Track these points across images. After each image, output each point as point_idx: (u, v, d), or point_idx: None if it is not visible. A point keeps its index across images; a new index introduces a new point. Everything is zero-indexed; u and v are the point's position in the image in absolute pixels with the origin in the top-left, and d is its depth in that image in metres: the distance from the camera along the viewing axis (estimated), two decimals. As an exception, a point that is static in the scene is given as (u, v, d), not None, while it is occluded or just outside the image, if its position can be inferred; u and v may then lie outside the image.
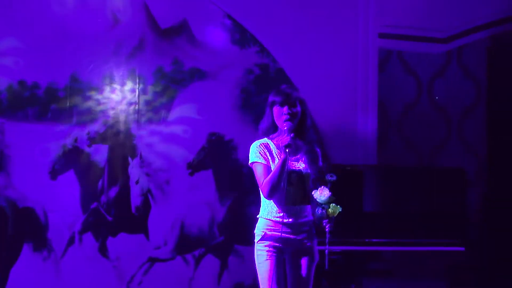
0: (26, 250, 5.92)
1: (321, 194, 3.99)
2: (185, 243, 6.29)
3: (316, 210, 4.01)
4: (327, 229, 4.01)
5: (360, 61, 6.70)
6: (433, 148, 7.10)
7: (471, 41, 7.18)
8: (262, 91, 6.50)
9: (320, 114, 6.55)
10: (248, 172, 6.42)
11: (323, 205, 3.99)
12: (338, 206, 4.01)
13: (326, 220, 3.99)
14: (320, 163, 4.14)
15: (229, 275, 6.38)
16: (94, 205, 6.10)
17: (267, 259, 4.01)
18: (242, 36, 6.47)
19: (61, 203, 6.02)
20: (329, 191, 3.99)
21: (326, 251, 4.09)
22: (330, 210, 3.98)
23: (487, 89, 7.19)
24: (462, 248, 5.97)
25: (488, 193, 7.08)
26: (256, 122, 6.30)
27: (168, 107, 6.29)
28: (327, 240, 4.05)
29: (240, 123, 6.42)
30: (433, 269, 6.16)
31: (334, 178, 4.02)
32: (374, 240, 5.90)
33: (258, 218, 4.13)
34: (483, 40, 7.22)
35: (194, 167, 6.33)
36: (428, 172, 6.54)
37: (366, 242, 5.88)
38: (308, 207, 4.12)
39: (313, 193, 4.02)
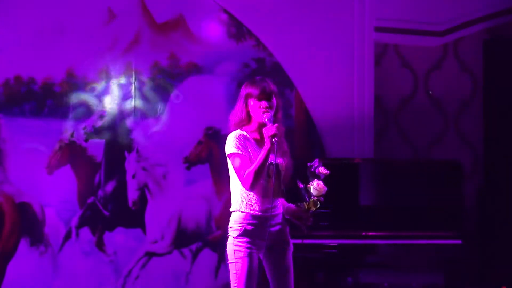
0: (23, 245, 5.92)
1: (318, 187, 3.95)
2: (182, 237, 6.29)
3: (308, 203, 3.97)
4: (308, 223, 3.99)
5: (356, 54, 6.70)
6: (429, 142, 7.10)
7: (467, 34, 7.18)
8: (258, 85, 6.50)
9: (316, 107, 6.56)
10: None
11: (317, 198, 3.97)
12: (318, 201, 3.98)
13: (310, 214, 3.97)
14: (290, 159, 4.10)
15: (226, 269, 6.37)
16: (91, 199, 6.10)
17: (245, 256, 3.91)
18: (238, 30, 6.47)
19: (58, 198, 6.02)
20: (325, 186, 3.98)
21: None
22: (314, 204, 3.96)
23: (484, 82, 7.19)
24: (458, 241, 5.97)
25: (484, 186, 7.09)
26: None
27: (165, 101, 6.29)
28: (304, 232, 4.05)
29: (237, 117, 6.41)
30: (430, 262, 6.17)
31: (328, 172, 4.00)
32: (371, 233, 5.90)
33: (232, 212, 4.01)
34: (480, 33, 7.21)
35: (190, 162, 6.33)
36: (424, 165, 6.54)
37: (363, 236, 5.89)
38: (281, 199, 4.08)
39: (309, 185, 3.99)
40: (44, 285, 5.96)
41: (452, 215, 6.10)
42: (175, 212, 6.28)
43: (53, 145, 6.01)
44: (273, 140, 3.85)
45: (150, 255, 6.22)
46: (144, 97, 6.24)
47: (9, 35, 5.94)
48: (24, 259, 5.92)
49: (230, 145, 3.98)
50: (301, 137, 6.57)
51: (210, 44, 6.41)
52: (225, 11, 6.41)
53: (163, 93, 6.29)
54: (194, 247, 6.31)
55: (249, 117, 4.03)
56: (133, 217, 6.19)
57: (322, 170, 3.99)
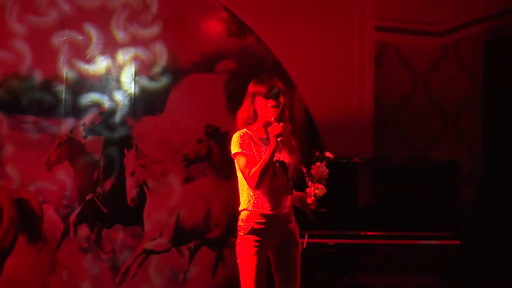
0: (21, 241, 5.91)
1: (319, 169, 3.96)
2: (181, 235, 6.29)
3: (311, 188, 3.98)
4: (312, 207, 3.99)
5: (356, 54, 6.70)
6: (428, 142, 7.11)
7: (467, 35, 7.18)
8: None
9: (315, 107, 6.56)
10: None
11: (317, 180, 3.97)
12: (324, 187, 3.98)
13: (313, 198, 3.97)
14: (298, 157, 4.11)
15: (224, 268, 6.39)
16: (89, 196, 6.09)
17: (253, 254, 3.94)
18: (238, 28, 6.45)
19: (56, 195, 6.00)
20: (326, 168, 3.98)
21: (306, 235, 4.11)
22: (320, 189, 3.96)
23: (483, 83, 7.20)
24: (457, 242, 5.98)
25: (482, 187, 7.10)
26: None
27: (164, 98, 6.28)
28: (310, 222, 4.05)
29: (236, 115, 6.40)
30: (428, 263, 6.18)
31: (332, 156, 4.00)
32: (369, 233, 5.90)
33: (240, 211, 4.06)
34: (480, 34, 7.22)
35: (190, 159, 6.32)
36: (423, 165, 6.55)
37: (361, 235, 5.89)
38: (290, 198, 4.09)
39: (311, 168, 3.99)
40: (42, 281, 5.95)
41: (450, 215, 6.11)
42: (174, 209, 6.27)
43: (52, 141, 5.99)
44: (278, 139, 3.86)
45: (148, 252, 6.21)
46: (143, 94, 6.23)
47: (9, 30, 5.92)
48: (22, 256, 5.90)
49: (235, 145, 4.01)
50: (300, 136, 6.56)
51: (210, 41, 6.39)
52: (226, 9, 6.40)
53: (162, 90, 6.27)
54: (192, 245, 6.31)
55: (256, 115, 4.05)
56: (131, 214, 6.18)
57: (327, 154, 4.01)
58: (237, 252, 4.03)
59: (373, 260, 6.03)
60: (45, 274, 5.97)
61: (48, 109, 5.98)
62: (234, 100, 6.38)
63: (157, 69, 6.25)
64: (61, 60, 6.00)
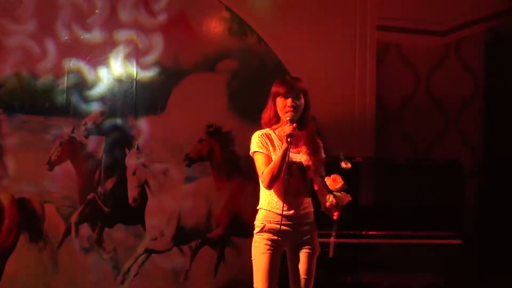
0: (22, 241, 5.90)
1: (334, 181, 3.97)
2: (182, 234, 6.28)
3: (327, 197, 3.99)
4: (334, 217, 4.00)
5: (358, 53, 6.69)
6: (430, 141, 7.10)
7: (469, 34, 7.18)
8: (260, 83, 6.48)
9: (317, 106, 6.51)
10: (245, 163, 6.41)
11: (334, 193, 3.97)
12: (348, 194, 3.98)
13: (334, 209, 3.97)
14: (323, 155, 4.13)
15: (226, 267, 6.38)
16: (91, 196, 6.09)
17: (263, 252, 3.98)
18: (240, 28, 6.45)
19: (57, 194, 6.00)
20: (342, 179, 3.98)
21: (332, 239, 4.10)
22: (339, 198, 3.96)
23: (485, 82, 7.19)
24: (459, 241, 5.97)
25: (484, 186, 7.09)
26: (254, 114, 6.41)
27: (166, 98, 6.28)
28: (334, 228, 4.05)
29: (238, 114, 6.41)
30: (430, 262, 6.16)
31: (349, 166, 4.01)
32: (371, 232, 5.89)
33: (258, 209, 4.11)
34: (481, 33, 7.22)
35: (191, 159, 6.32)
36: (425, 165, 6.53)
37: (363, 235, 5.88)
38: (309, 199, 4.11)
39: (326, 180, 4.00)
40: (43, 281, 5.95)
41: (452, 215, 6.10)
42: (175, 209, 6.26)
43: (53, 141, 5.98)
44: (288, 139, 3.88)
45: (149, 252, 6.20)
46: (145, 94, 6.22)
47: (9, 30, 5.91)
48: (23, 255, 5.90)
49: (253, 144, 4.08)
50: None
51: (212, 41, 6.39)
52: (228, 8, 6.40)
53: (164, 90, 6.27)
54: (193, 244, 6.31)
55: (277, 116, 4.07)
56: (133, 214, 6.18)
57: (342, 164, 4.01)
58: (251, 249, 4.08)
59: (375, 260, 6.01)
60: (46, 274, 5.96)
61: (49, 109, 5.97)
62: (236, 100, 6.42)
63: (158, 68, 6.24)
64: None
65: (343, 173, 4.02)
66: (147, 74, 6.23)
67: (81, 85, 6.08)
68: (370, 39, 6.72)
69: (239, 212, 6.41)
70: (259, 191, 4.12)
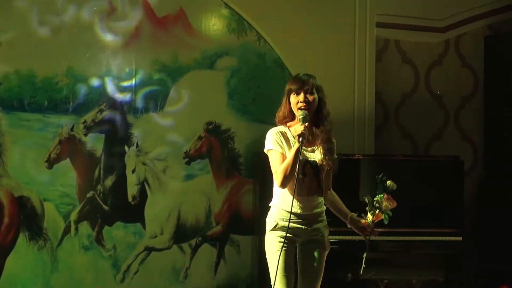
0: (22, 239, 5.90)
1: (392, 202, 4.03)
2: (182, 232, 6.28)
3: (369, 214, 4.07)
4: (373, 234, 4.12)
5: (357, 50, 6.68)
6: (430, 138, 7.10)
7: (468, 31, 7.17)
8: (259, 80, 6.48)
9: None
10: (245, 161, 6.42)
11: (384, 212, 4.01)
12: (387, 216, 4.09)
13: (373, 226, 4.08)
14: (335, 155, 4.14)
15: (226, 265, 6.38)
16: (90, 194, 6.08)
17: (277, 250, 3.98)
18: (239, 25, 6.44)
19: (57, 192, 5.99)
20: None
21: (364, 256, 4.14)
22: (386, 218, 4.09)
23: (485, 78, 7.19)
24: (459, 238, 5.97)
25: (484, 183, 7.09)
26: (254, 112, 6.42)
27: (165, 95, 6.27)
28: (366, 247, 4.08)
29: (237, 112, 6.41)
30: (430, 259, 6.16)
31: (395, 187, 4.05)
32: (371, 229, 5.87)
33: (270, 206, 4.11)
34: (481, 29, 7.22)
35: (190, 156, 6.31)
36: (425, 161, 6.53)
37: (363, 232, 5.86)
38: (321, 199, 4.11)
39: (379, 199, 4.08)
40: (43, 279, 5.94)
41: (453, 211, 6.10)
42: (175, 207, 6.26)
43: (52, 139, 5.97)
44: (299, 139, 3.87)
45: (149, 250, 6.20)
46: (144, 91, 6.22)
47: (9, 28, 5.90)
48: (23, 253, 5.89)
49: (267, 141, 4.07)
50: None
51: (211, 38, 6.38)
52: (226, 5, 6.39)
53: (163, 87, 6.26)
54: (193, 242, 6.30)
55: (292, 113, 4.06)
56: (132, 212, 6.17)
57: (389, 183, 4.05)
58: (265, 247, 4.10)
59: (375, 256, 6.00)
60: (46, 272, 5.95)
61: (48, 106, 5.96)
62: (235, 97, 6.42)
63: (157, 65, 6.23)
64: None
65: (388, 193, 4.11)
66: (146, 71, 6.22)
67: (80, 83, 6.06)
68: (369, 35, 6.71)
69: (239, 209, 6.41)
70: (273, 188, 4.13)
